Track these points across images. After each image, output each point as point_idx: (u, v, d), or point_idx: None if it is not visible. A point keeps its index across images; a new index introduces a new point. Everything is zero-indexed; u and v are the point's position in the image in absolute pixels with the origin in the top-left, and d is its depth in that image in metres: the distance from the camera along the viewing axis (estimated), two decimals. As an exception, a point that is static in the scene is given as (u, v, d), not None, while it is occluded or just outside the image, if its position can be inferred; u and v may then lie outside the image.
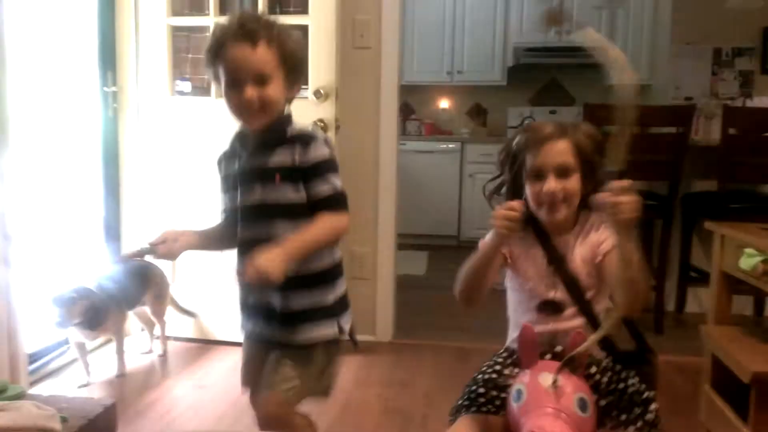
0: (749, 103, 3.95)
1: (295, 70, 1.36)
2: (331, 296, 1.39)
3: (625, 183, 1.09)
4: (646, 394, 1.25)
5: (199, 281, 2.84)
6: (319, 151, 1.32)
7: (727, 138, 2.94)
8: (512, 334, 1.39)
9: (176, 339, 2.83)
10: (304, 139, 1.33)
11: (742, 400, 1.75)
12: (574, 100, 5.52)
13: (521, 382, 1.18)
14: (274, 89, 1.32)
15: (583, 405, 1.11)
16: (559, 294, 1.30)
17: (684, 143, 2.99)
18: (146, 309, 2.67)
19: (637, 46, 5.15)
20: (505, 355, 1.37)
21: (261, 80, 1.30)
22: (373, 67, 2.85)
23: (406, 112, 5.73)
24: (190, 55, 2.98)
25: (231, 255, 1.44)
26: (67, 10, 2.77)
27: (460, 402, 1.33)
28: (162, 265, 2.63)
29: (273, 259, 1.20)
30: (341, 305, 1.41)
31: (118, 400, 1.62)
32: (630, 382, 1.25)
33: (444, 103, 5.96)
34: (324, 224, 1.30)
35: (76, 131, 2.83)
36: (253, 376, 1.45)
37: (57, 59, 2.71)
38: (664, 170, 3.03)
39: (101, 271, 2.58)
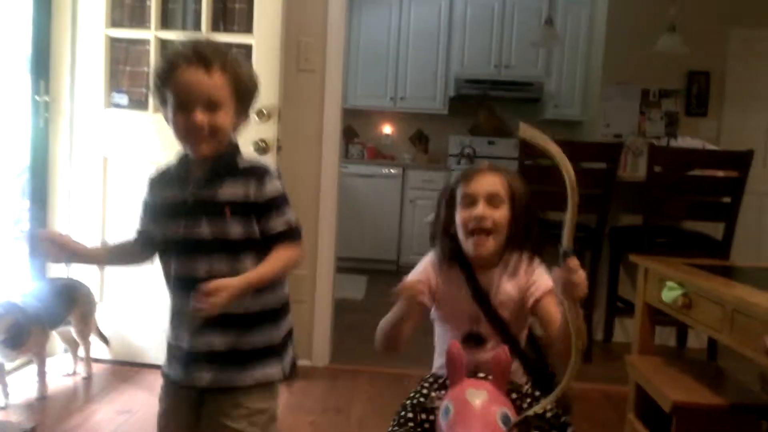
0: (673, 143, 4.16)
1: (245, 100, 1.32)
2: (277, 335, 1.34)
3: (577, 262, 1.12)
4: (563, 419, 1.33)
5: (126, 301, 2.74)
6: (274, 186, 1.29)
7: (653, 175, 3.09)
8: (438, 362, 1.44)
9: (101, 361, 2.72)
10: (258, 173, 1.29)
11: (665, 428, 1.82)
12: (511, 133, 5.69)
13: (449, 399, 1.20)
14: (224, 117, 1.27)
15: (506, 420, 1.14)
16: (482, 327, 1.35)
17: (612, 178, 3.12)
18: (71, 329, 2.55)
19: (571, 84, 5.40)
20: (431, 380, 1.42)
21: (212, 106, 1.25)
22: (316, 90, 2.87)
23: (349, 135, 5.77)
24: (128, 68, 2.90)
25: (159, 279, 1.37)
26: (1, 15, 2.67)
27: (390, 429, 1.35)
28: (90, 283, 2.52)
29: (227, 287, 1.16)
30: (286, 344, 1.37)
31: (38, 424, 1.55)
32: (548, 407, 1.29)
33: (387, 129, 6.03)
34: (280, 256, 1.28)
35: (2, 140, 2.71)
36: (175, 429, 1.36)
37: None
38: (593, 204, 3.14)
39: (25, 287, 2.45)
